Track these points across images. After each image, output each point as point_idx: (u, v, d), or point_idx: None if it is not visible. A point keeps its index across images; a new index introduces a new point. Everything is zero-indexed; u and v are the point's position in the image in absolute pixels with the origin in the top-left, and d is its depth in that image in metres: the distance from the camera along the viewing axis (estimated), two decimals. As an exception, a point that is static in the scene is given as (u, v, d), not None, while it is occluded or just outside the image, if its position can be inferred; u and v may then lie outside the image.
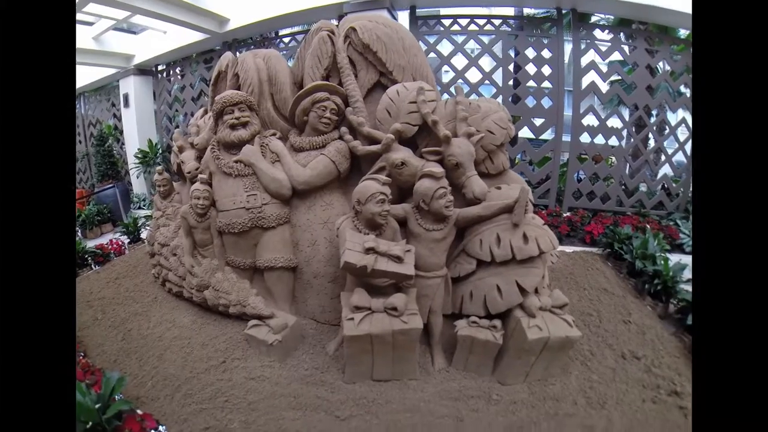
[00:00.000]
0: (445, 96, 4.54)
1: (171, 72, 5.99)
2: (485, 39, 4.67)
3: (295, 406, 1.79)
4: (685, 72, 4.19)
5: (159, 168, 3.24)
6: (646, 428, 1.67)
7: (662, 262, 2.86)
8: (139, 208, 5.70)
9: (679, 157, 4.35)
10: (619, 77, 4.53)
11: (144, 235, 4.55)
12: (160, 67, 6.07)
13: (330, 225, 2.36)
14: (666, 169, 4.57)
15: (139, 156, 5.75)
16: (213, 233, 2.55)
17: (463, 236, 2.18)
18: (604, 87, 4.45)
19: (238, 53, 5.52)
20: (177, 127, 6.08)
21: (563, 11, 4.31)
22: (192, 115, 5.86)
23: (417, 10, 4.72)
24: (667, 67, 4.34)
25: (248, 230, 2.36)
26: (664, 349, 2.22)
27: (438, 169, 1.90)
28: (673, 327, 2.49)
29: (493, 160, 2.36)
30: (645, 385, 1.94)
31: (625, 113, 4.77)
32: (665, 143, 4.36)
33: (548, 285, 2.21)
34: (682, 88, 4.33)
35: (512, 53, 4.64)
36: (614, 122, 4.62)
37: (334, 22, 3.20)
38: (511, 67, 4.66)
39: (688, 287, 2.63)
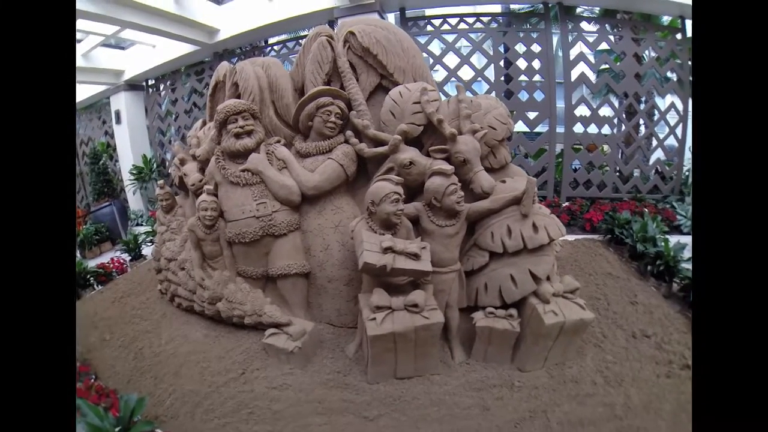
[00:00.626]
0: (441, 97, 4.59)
1: (162, 86, 5.95)
2: (475, 36, 4.75)
3: (321, 412, 1.79)
4: (671, 58, 4.33)
5: (160, 182, 3.21)
6: (663, 402, 1.74)
7: (663, 243, 2.95)
8: (138, 224, 5.63)
9: (671, 141, 4.48)
10: (607, 66, 4.64)
11: (145, 251, 4.51)
12: (150, 82, 6.02)
13: (342, 228, 2.38)
14: (658, 154, 4.71)
15: (134, 172, 5.69)
16: (222, 244, 2.53)
17: (473, 230, 2.23)
18: (593, 77, 4.56)
19: (230, 63, 5.52)
20: (170, 141, 6.03)
21: (549, 5, 4.41)
22: (186, 128, 5.83)
23: (406, 12, 4.79)
24: (653, 54, 4.47)
25: (259, 239, 2.35)
26: (672, 326, 2.30)
27: (448, 166, 1.95)
28: (678, 305, 2.57)
29: (495, 155, 2.42)
30: (658, 362, 2.01)
31: (614, 101, 4.89)
32: (656, 128, 4.50)
33: (557, 272, 2.27)
34: (669, 74, 4.47)
35: (501, 49, 4.73)
36: (605, 111, 4.73)
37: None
38: (501, 63, 4.75)
39: (690, 266, 2.72)
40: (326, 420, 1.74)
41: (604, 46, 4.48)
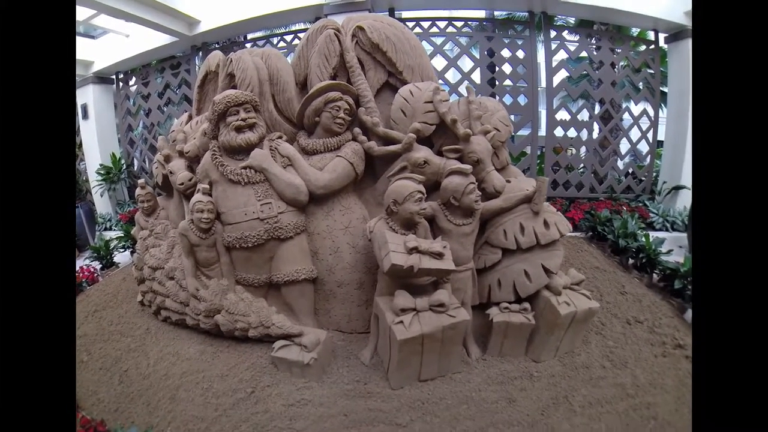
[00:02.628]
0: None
1: (135, 79, 5.46)
2: (462, 40, 4.87)
3: (349, 425, 1.69)
4: (642, 68, 4.74)
5: (141, 181, 2.95)
6: (665, 378, 1.90)
7: (643, 238, 3.20)
8: (106, 229, 5.12)
9: (642, 145, 4.90)
10: (586, 73, 4.95)
11: (117, 258, 4.12)
12: (120, 75, 5.52)
13: (352, 230, 2.32)
14: (630, 156, 5.13)
15: (102, 172, 5.17)
16: (219, 250, 2.33)
17: (482, 229, 2.27)
18: (570, 84, 4.85)
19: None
20: (145, 139, 5.56)
21: (534, 13, 4.65)
22: (158, 125, 5.41)
23: (395, 12, 4.80)
24: (622, 63, 4.86)
25: (263, 243, 2.19)
26: (659, 312, 2.50)
27: (465, 165, 1.97)
28: (660, 294, 2.81)
29: (498, 156, 2.48)
30: (653, 344, 2.18)
31: (578, 105, 5.21)
32: (629, 133, 4.90)
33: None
34: (641, 84, 4.89)
35: (486, 53, 4.90)
36: (577, 115, 5.03)
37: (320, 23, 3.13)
38: (487, 67, 4.91)
39: (668, 258, 2.98)
40: (358, 433, 1.65)
41: (583, 54, 4.79)
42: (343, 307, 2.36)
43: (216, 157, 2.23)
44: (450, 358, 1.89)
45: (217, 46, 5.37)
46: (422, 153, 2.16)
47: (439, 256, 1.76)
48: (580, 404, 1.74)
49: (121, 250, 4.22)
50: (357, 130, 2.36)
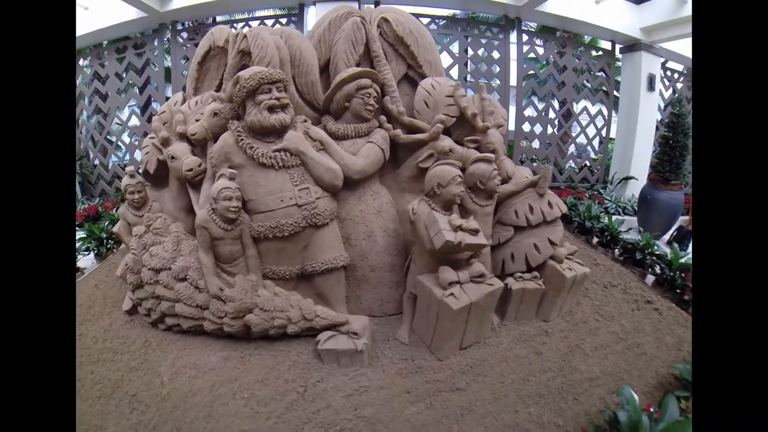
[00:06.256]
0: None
1: (89, 59, 4.71)
2: (443, 38, 5.17)
3: (413, 400, 1.76)
4: (596, 72, 5.51)
5: (129, 169, 2.63)
6: (644, 325, 2.41)
7: (606, 220, 3.82)
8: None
9: (596, 141, 5.72)
10: (551, 74, 5.59)
11: (81, 263, 3.63)
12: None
13: (383, 214, 2.42)
14: (585, 149, 5.96)
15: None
16: (245, 242, 2.12)
17: (495, 211, 2.56)
18: (530, 83, 5.44)
19: (181, 37, 4.78)
20: (104, 130, 4.85)
21: (509, 18, 5.10)
22: (118, 109, 4.77)
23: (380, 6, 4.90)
24: (580, 68, 5.60)
25: (300, 231, 2.10)
26: (627, 278, 3.07)
27: (490, 154, 2.22)
28: (623, 264, 3.41)
29: (500, 146, 2.80)
30: (628, 301, 2.70)
31: (539, 104, 5.90)
32: (586, 130, 5.68)
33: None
34: (588, 85, 5.67)
35: (464, 51, 5.27)
36: (530, 112, 5.63)
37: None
38: (465, 65, 5.29)
39: (627, 236, 3.61)
40: (425, 405, 1.74)
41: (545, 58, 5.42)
42: (376, 291, 2.43)
43: (242, 139, 2.07)
44: (484, 324, 2.14)
45: (184, 26, 4.93)
46: (447, 142, 2.36)
47: (476, 232, 1.97)
48: (590, 349, 2.15)
49: (85, 252, 3.74)
50: (383, 117, 2.46)
